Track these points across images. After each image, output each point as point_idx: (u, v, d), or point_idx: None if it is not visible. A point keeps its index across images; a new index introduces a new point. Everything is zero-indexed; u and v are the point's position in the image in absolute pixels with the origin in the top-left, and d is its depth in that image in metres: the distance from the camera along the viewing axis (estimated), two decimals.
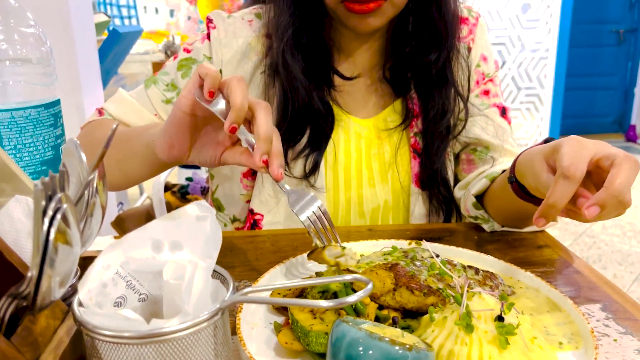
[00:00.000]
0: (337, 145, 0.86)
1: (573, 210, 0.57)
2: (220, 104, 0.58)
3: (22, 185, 0.43)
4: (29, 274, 0.31)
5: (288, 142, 0.83)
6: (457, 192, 0.86)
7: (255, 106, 0.58)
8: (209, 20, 0.88)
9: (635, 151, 4.80)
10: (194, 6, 5.30)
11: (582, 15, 4.76)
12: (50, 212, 0.30)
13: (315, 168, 0.83)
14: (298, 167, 0.84)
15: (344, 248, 0.58)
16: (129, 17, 5.35)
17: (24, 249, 0.41)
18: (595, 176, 0.58)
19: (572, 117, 5.09)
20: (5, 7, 0.52)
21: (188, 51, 0.87)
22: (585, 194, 0.56)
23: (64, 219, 0.31)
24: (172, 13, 5.37)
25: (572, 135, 0.59)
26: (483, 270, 0.59)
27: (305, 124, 0.83)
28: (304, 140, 0.84)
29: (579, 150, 0.55)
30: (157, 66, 3.52)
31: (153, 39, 4.99)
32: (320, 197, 0.84)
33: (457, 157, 0.92)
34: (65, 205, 0.31)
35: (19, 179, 0.42)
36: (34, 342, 0.37)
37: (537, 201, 0.65)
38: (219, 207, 0.93)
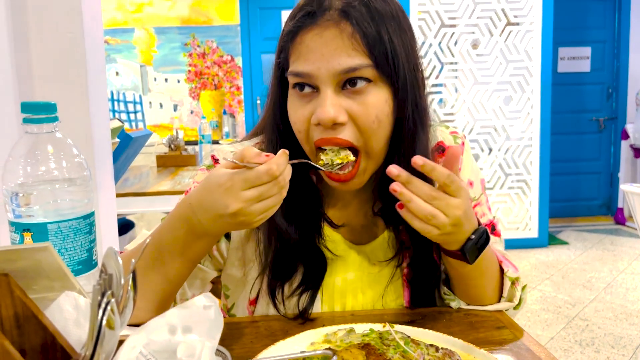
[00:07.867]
0: (331, 277, 0.89)
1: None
2: None
3: (68, 283, 0.55)
4: (85, 350, 0.43)
5: (282, 280, 0.86)
6: None
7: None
8: (214, 159, 0.91)
9: (625, 234, 4.90)
10: (196, 101, 5.64)
11: (562, 106, 5.06)
12: (103, 305, 0.42)
13: (308, 308, 0.86)
14: (292, 305, 0.87)
15: None
16: (135, 112, 5.65)
17: (70, 334, 0.52)
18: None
19: (561, 201, 5.26)
20: (54, 140, 0.66)
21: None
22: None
23: (111, 310, 0.43)
24: (175, 107, 5.67)
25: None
26: (442, 348, 0.69)
27: (297, 264, 0.87)
28: (298, 278, 0.87)
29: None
30: (161, 159, 3.69)
31: (157, 132, 5.27)
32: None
33: None
34: (112, 300, 0.43)
35: (67, 278, 0.54)
36: None
37: (455, 255, 0.79)
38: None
